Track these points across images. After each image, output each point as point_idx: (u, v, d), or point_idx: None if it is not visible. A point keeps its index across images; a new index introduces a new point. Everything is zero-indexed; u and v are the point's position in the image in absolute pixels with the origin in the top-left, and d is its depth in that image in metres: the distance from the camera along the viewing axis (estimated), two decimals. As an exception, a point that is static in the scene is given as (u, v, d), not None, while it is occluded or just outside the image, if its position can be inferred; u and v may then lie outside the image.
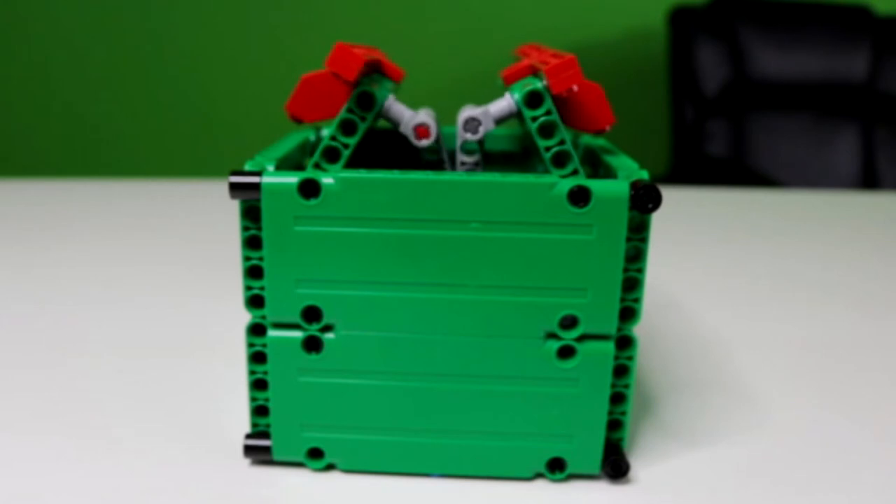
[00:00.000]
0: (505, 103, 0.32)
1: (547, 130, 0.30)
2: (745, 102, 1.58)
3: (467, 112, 0.32)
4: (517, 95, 0.31)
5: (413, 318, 0.31)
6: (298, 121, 0.33)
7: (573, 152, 0.30)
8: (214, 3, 1.85)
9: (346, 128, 0.31)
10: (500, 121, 0.33)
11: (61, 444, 0.35)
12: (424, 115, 0.33)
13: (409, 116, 0.33)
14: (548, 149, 0.30)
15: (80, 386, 0.41)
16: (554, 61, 0.30)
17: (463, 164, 0.36)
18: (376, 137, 0.45)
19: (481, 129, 0.33)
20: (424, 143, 0.33)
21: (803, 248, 0.70)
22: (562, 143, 0.30)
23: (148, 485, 0.32)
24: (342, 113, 0.31)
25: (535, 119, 0.30)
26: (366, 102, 0.31)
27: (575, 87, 0.30)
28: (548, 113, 0.30)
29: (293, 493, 0.32)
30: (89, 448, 0.35)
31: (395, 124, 0.33)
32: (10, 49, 1.89)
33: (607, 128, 0.33)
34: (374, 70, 0.35)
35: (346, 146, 0.31)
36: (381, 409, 0.32)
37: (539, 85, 0.30)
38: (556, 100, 0.33)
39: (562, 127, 0.30)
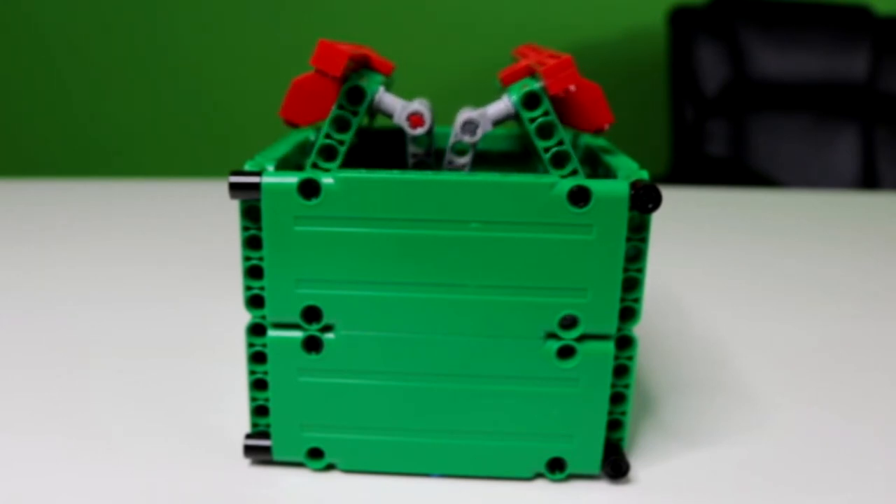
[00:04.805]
0: (503, 105, 0.32)
1: (545, 131, 0.30)
2: (745, 102, 1.58)
3: (465, 114, 0.32)
4: (515, 97, 0.31)
5: (413, 318, 0.31)
6: (294, 125, 0.33)
7: (572, 152, 0.30)
8: (215, 3, 1.85)
9: (339, 124, 0.31)
10: (497, 123, 0.33)
11: (61, 444, 0.35)
12: (418, 104, 0.32)
13: (402, 106, 0.33)
14: (546, 149, 0.30)
15: (80, 386, 0.41)
16: (551, 62, 0.30)
17: (450, 163, 0.36)
18: (374, 138, 0.45)
19: (479, 132, 0.32)
20: (420, 131, 0.32)
21: (803, 248, 0.70)
22: (560, 143, 0.30)
23: (148, 485, 0.32)
24: (333, 110, 0.31)
25: (533, 120, 0.30)
26: (355, 97, 0.31)
27: (572, 88, 0.30)
28: (546, 114, 0.30)
29: (293, 493, 0.32)
30: (89, 448, 0.35)
31: (389, 116, 0.33)
32: (10, 49, 1.89)
33: (606, 127, 0.33)
34: (362, 65, 0.35)
35: (341, 143, 0.31)
36: (382, 409, 0.32)
37: (536, 86, 0.30)
38: (554, 100, 0.32)
39: (560, 127, 0.30)
